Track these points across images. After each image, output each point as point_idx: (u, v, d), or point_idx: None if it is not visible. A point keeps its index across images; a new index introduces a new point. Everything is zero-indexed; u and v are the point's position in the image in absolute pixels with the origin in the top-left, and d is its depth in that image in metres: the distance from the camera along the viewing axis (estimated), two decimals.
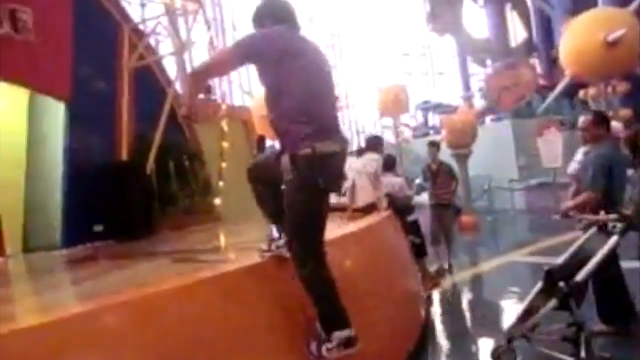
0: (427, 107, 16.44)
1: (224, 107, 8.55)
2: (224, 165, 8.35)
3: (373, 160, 5.12)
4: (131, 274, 3.67)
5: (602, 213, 3.25)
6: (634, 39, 9.27)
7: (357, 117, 19.81)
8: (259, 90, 14.41)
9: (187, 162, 7.61)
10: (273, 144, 10.62)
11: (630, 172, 3.68)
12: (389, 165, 5.79)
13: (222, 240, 6.14)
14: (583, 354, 2.85)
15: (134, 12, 8.99)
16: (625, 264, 3.53)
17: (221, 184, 8.27)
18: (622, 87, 10.23)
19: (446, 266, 6.40)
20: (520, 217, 11.05)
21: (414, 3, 21.09)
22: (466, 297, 5.75)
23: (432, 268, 6.10)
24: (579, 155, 5.00)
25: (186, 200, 7.42)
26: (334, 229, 4.54)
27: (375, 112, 12.81)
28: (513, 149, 11.41)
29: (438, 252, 6.46)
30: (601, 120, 3.79)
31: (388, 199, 5.28)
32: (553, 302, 3.00)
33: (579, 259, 3.18)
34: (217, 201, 8.12)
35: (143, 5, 10.79)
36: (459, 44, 17.70)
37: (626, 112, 10.64)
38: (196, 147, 8.07)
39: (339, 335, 2.31)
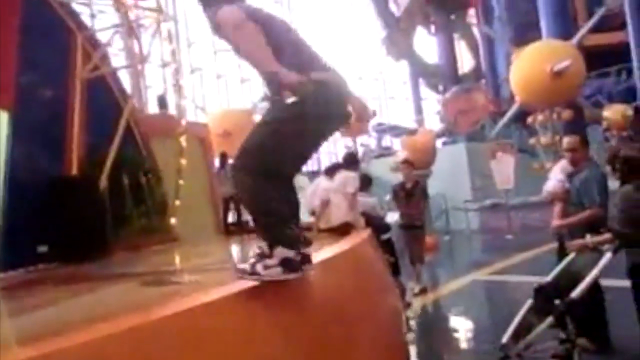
0: (381, 129, 16.71)
1: (183, 122, 8.18)
2: (181, 182, 7.96)
3: (351, 178, 5.01)
4: (95, 300, 3.26)
5: (588, 236, 3.29)
6: (576, 69, 9.93)
7: None
8: (214, 107, 14.15)
9: (142, 178, 7.16)
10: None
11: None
12: (365, 184, 5.70)
13: (185, 261, 5.75)
14: None
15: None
16: (614, 282, 3.58)
17: (178, 202, 7.86)
18: (566, 114, 10.86)
19: (420, 285, 6.38)
20: (475, 236, 11.32)
21: (368, 28, 21.67)
22: (437, 317, 5.75)
23: (413, 286, 6.15)
24: (559, 175, 4.96)
25: (141, 219, 6.94)
26: (319, 249, 4.36)
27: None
28: (467, 171, 11.75)
29: (418, 272, 6.41)
30: (586, 142, 3.97)
31: (364, 218, 5.19)
32: (549, 320, 2.97)
33: (571, 276, 3.19)
34: (174, 220, 7.70)
35: (93, 16, 10.26)
36: (412, 69, 18.28)
37: (574, 139, 11.27)
38: (152, 163, 7.63)
39: (282, 252, 2.00)
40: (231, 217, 8.42)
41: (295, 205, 2.30)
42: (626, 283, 3.25)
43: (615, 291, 3.69)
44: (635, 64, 18.28)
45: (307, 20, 20.35)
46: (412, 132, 11.41)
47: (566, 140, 3.98)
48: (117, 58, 8.08)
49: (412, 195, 6.50)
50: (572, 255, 3.38)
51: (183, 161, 7.99)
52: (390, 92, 22.90)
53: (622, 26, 18.93)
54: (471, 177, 11.81)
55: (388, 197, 6.85)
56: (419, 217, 6.59)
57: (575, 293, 2.99)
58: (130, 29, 6.87)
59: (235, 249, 6.62)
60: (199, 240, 7.45)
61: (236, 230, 8.01)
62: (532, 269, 6.30)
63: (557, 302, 3.02)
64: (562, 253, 3.73)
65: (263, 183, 2.04)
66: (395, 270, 5.58)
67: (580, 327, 3.45)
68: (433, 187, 10.39)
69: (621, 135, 17.21)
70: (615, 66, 21.36)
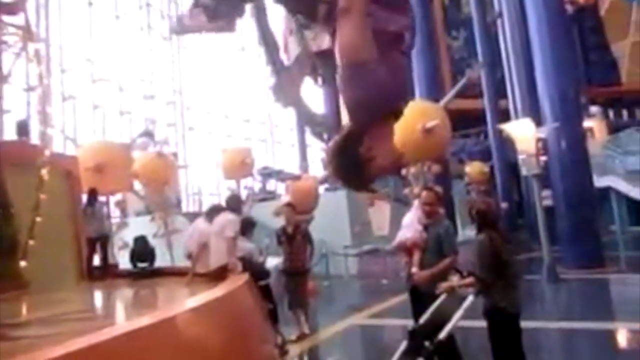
0: (266, 173, 16.79)
1: (47, 152, 7.34)
2: (38, 219, 7.04)
3: (231, 221, 4.87)
4: None
5: (456, 278, 3.57)
6: (444, 128, 11.02)
7: (196, 177, 19.21)
8: (86, 139, 13.03)
9: None
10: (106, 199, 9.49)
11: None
12: (246, 228, 5.56)
13: (32, 311, 4.99)
14: None
15: None
16: (469, 323, 3.85)
17: (32, 242, 6.90)
18: (435, 167, 11.93)
19: (306, 331, 6.25)
20: (353, 281, 11.63)
21: (258, 72, 22.02)
22: None
23: (292, 333, 6.01)
24: (417, 225, 5.19)
25: None
26: (189, 296, 4.06)
27: (216, 173, 12.53)
28: (347, 217, 12.17)
29: (298, 318, 6.28)
30: (440, 197, 4.36)
31: (242, 263, 5.04)
32: None
33: (438, 319, 3.38)
34: (24, 264, 6.71)
35: None
36: (299, 116, 18.86)
37: (439, 189, 12.36)
38: (3, 196, 6.66)
39: None
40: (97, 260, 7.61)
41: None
42: (483, 323, 3.52)
43: (474, 331, 3.97)
44: (490, 127, 21.03)
45: (196, 60, 20.16)
46: (296, 178, 11.64)
47: (425, 194, 4.29)
48: None
49: (293, 239, 6.44)
50: (442, 298, 3.58)
51: (42, 196, 7.11)
52: (277, 136, 23.36)
53: (481, 94, 21.84)
54: (351, 224, 12.27)
55: (267, 241, 6.73)
56: (302, 262, 6.52)
57: (441, 334, 3.17)
58: None
59: (98, 296, 5.96)
60: (56, 286, 6.58)
61: (101, 274, 7.24)
62: (406, 311, 6.58)
63: (426, 343, 3.17)
64: (417, 297, 4.02)
65: None
66: (273, 316, 5.45)
67: None
68: (314, 232, 10.54)
69: (479, 190, 19.38)
70: (475, 128, 24.34)
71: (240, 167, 10.80)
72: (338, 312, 8.47)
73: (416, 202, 4.52)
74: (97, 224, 7.43)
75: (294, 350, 5.85)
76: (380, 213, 10.97)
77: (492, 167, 20.56)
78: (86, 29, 15.61)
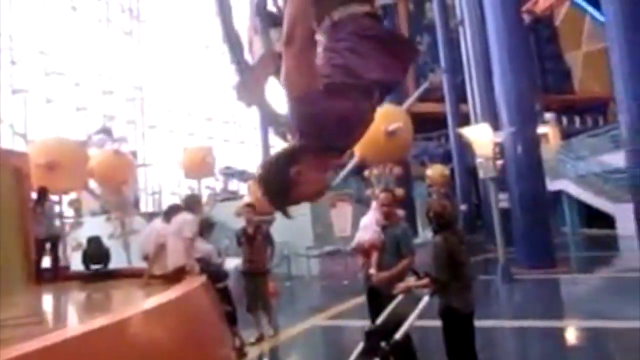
0: (229, 173, 16.58)
1: None
2: None
3: (189, 222, 4.76)
4: None
5: (413, 279, 3.61)
6: (406, 131, 11.18)
7: (156, 176, 18.75)
8: (37, 135, 12.48)
9: None
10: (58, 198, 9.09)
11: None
12: (205, 229, 5.46)
13: None
14: None
15: None
16: (426, 322, 3.91)
17: None
18: (397, 169, 12.10)
19: (271, 332, 6.21)
20: (315, 282, 11.63)
21: (221, 70, 21.71)
22: None
23: (251, 335, 5.96)
24: (373, 226, 5.17)
25: None
26: (142, 299, 3.95)
27: (177, 172, 12.27)
28: (309, 218, 12.16)
29: (257, 320, 6.21)
30: (397, 199, 4.43)
31: (200, 264, 4.94)
32: None
33: (395, 319, 3.41)
34: None
35: None
36: (262, 116, 18.75)
37: (400, 191, 12.54)
38: None
39: None
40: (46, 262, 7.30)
41: None
42: (438, 323, 3.58)
43: (432, 330, 4.05)
44: (450, 131, 21.54)
45: (158, 56, 19.70)
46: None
47: (382, 196, 4.33)
48: None
49: (254, 239, 6.37)
50: (399, 299, 3.62)
51: None
52: (241, 136, 23.11)
53: (443, 99, 22.34)
54: (313, 225, 12.28)
55: (227, 242, 6.62)
56: (262, 263, 6.45)
57: (397, 334, 3.20)
58: None
59: (46, 300, 5.71)
60: (1, 289, 6.25)
61: (52, 277, 6.94)
62: (366, 312, 6.62)
63: (382, 343, 3.19)
64: (374, 298, 4.06)
65: None
66: (232, 318, 5.38)
67: None
68: (276, 233, 10.49)
69: (440, 192, 19.79)
70: (437, 132, 24.87)
71: (201, 166, 10.60)
72: (299, 313, 8.44)
73: (374, 204, 4.56)
74: (47, 223, 7.12)
75: (253, 352, 5.80)
76: (342, 214, 11.04)
77: (452, 170, 21.05)
78: (40, 20, 14.95)
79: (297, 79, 1.42)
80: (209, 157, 10.78)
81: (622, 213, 15.77)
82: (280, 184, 1.48)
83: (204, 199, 12.11)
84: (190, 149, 11.01)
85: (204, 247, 5.34)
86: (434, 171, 19.88)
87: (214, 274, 5.07)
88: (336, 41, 1.58)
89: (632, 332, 5.76)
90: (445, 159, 22.74)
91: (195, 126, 20.50)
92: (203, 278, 4.29)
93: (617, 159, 15.75)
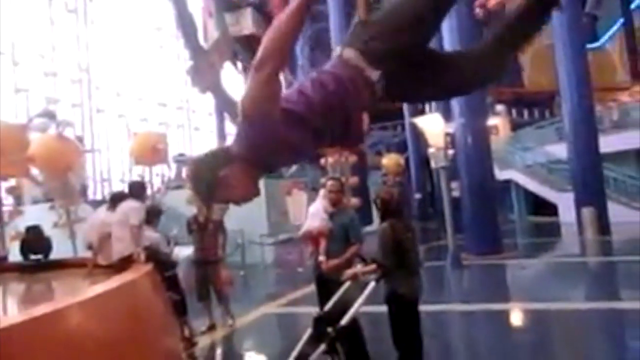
0: (182, 160, 16.14)
1: None
2: None
3: (135, 209, 4.60)
4: None
5: (360, 265, 3.64)
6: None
7: (104, 162, 18.01)
8: None
9: None
10: None
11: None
12: (152, 216, 5.30)
13: None
14: None
15: None
16: (376, 308, 3.97)
17: None
18: (352, 158, 12.21)
19: (229, 322, 6.16)
20: (270, 270, 11.61)
21: (175, 54, 21.04)
22: (228, 353, 5.65)
23: (202, 324, 5.89)
24: (323, 214, 5.13)
25: None
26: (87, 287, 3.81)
27: (127, 159, 11.84)
28: (264, 206, 12.07)
29: (209, 309, 6.13)
30: (343, 186, 4.48)
31: (147, 253, 4.79)
32: (322, 347, 3.13)
33: (342, 306, 3.43)
34: None
35: None
36: (218, 103, 18.36)
37: (354, 180, 12.67)
38: None
39: None
40: None
41: None
42: (384, 309, 3.64)
43: (375, 316, 4.12)
44: (407, 121, 21.89)
45: (106, 37, 18.83)
46: None
47: (330, 183, 4.33)
48: None
49: (205, 228, 6.27)
50: (346, 285, 3.64)
51: None
52: (195, 122, 22.56)
53: None
54: (268, 213, 12.20)
55: (176, 230, 6.48)
56: (214, 252, 6.33)
57: (344, 320, 3.22)
58: None
59: None
60: None
61: None
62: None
63: (329, 329, 3.20)
64: (323, 285, 4.08)
65: None
66: (181, 308, 5.27)
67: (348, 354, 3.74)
68: (231, 221, 10.36)
69: (395, 181, 20.14)
70: (393, 122, 25.23)
71: (152, 153, 10.24)
72: (253, 301, 8.40)
73: (322, 192, 4.56)
74: None
75: (204, 341, 5.73)
76: (297, 202, 11.02)
77: (407, 159, 21.45)
78: None
79: (256, 104, 1.44)
80: (161, 143, 10.44)
81: (563, 201, 16.63)
82: (206, 182, 1.53)
83: (156, 186, 11.77)
84: (141, 134, 10.60)
85: (151, 235, 5.18)
86: (390, 160, 20.15)
87: (162, 262, 4.94)
88: (321, 72, 1.61)
89: (573, 312, 6.12)
90: (401, 148, 23.12)
91: (147, 111, 19.81)
92: (148, 266, 4.16)
93: (561, 150, 16.56)
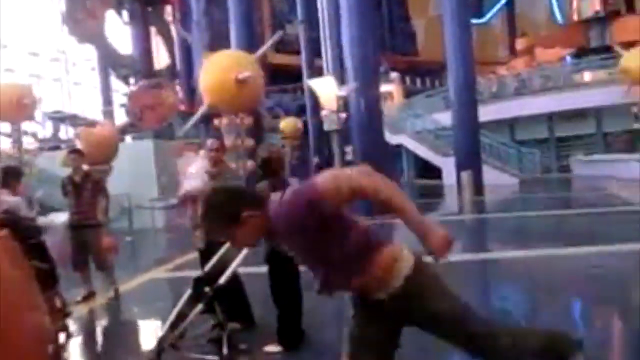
0: (58, 117, 14.57)
1: None
2: None
3: None
4: None
5: None
6: (257, 80, 11.00)
7: None
8: None
9: None
10: None
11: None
12: (11, 178, 4.72)
13: None
14: (225, 350, 3.13)
15: None
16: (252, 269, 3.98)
17: None
18: (248, 120, 11.90)
19: (111, 293, 5.77)
20: (160, 235, 11.18)
21: None
22: (107, 321, 5.38)
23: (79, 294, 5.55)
24: (201, 174, 4.55)
25: None
26: None
27: None
28: (154, 168, 11.47)
29: (87, 277, 5.72)
30: (224, 145, 4.35)
31: (3, 218, 4.27)
32: (199, 307, 3.13)
33: (222, 266, 3.38)
34: None
35: None
36: (101, 56, 16.71)
37: (250, 142, 12.44)
38: None
39: None
40: None
41: None
42: (264, 269, 3.66)
43: (255, 277, 4.13)
44: (305, 84, 21.92)
45: None
46: (92, 124, 10.33)
47: (210, 142, 4.17)
48: None
49: (82, 189, 5.70)
50: (225, 247, 3.57)
51: None
52: (76, 76, 20.43)
53: (299, 52, 22.44)
54: (158, 175, 11.62)
55: (41, 192, 5.87)
56: (93, 215, 5.79)
57: (221, 280, 3.18)
58: None
59: None
60: None
61: None
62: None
63: (206, 289, 3.15)
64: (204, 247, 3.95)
65: None
66: (51, 278, 4.83)
67: (229, 312, 3.74)
68: (117, 184, 9.71)
69: (293, 144, 20.24)
70: (293, 84, 25.12)
71: (17, 107, 9.01)
72: (139, 268, 8.05)
73: (202, 152, 4.38)
74: None
75: (81, 311, 5.37)
76: (189, 164, 10.58)
77: (306, 123, 21.60)
78: None
79: (335, 196, 1.74)
80: (28, 98, 9.22)
81: (447, 165, 18.01)
82: (226, 215, 1.65)
83: (24, 145, 10.51)
84: (2, 86, 9.26)
85: (9, 199, 4.62)
86: (287, 124, 20.19)
87: (24, 228, 4.44)
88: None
89: (449, 264, 6.65)
90: (300, 112, 23.20)
91: (14, 61, 17.48)
92: (2, 233, 3.71)
93: (446, 118, 17.79)
